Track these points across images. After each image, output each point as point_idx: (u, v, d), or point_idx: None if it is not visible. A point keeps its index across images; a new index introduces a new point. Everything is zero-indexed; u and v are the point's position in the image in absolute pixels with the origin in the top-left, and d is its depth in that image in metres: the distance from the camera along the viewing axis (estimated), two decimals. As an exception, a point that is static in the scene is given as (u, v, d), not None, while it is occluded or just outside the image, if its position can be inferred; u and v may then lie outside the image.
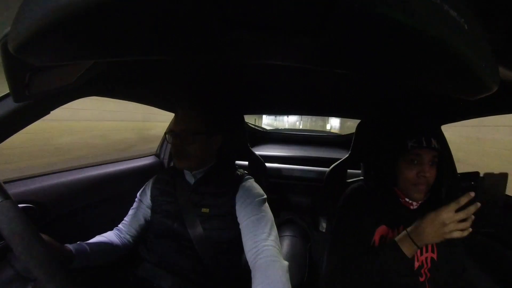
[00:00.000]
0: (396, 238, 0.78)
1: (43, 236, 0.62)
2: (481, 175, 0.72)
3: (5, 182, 0.59)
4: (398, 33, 0.29)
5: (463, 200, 0.69)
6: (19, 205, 0.56)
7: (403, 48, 0.33)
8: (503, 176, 0.71)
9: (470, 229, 0.70)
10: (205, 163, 1.02)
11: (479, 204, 0.68)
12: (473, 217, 0.69)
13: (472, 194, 0.69)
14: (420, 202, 0.88)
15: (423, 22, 0.26)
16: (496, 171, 0.72)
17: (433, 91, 0.47)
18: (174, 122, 0.98)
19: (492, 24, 0.36)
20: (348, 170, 1.41)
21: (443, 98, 0.94)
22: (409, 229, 0.77)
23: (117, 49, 0.41)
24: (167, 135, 0.99)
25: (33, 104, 0.70)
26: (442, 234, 0.71)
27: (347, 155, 1.40)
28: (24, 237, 0.50)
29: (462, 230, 0.70)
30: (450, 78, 0.39)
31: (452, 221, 0.69)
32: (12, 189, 0.86)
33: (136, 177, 1.37)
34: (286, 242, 1.43)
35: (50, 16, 0.28)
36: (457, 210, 0.69)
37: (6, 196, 0.53)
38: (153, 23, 0.31)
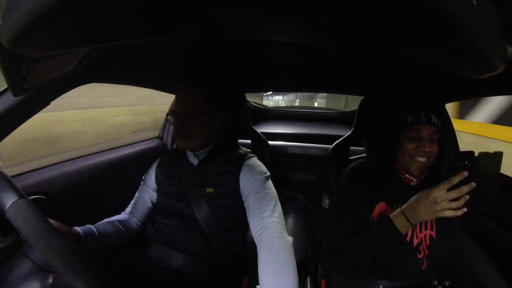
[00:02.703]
0: (391, 215, 0.80)
1: (52, 221, 0.63)
2: (476, 154, 0.71)
3: (12, 177, 0.59)
4: (401, 8, 0.28)
5: (455, 179, 0.69)
6: (30, 197, 0.57)
7: (408, 22, 0.32)
8: (498, 155, 0.70)
9: (465, 209, 0.70)
10: (208, 143, 1.03)
11: (474, 184, 0.68)
12: (467, 197, 0.69)
13: (466, 173, 0.68)
14: (420, 179, 0.89)
15: None
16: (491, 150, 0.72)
17: (438, 68, 0.46)
18: (176, 103, 0.97)
19: (501, 2, 0.35)
20: (351, 147, 1.41)
21: (447, 76, 0.92)
22: (403, 206, 0.78)
23: (112, 34, 0.40)
24: (169, 116, 0.99)
25: (32, 96, 0.70)
26: (433, 212, 0.71)
27: (349, 132, 1.40)
28: (45, 236, 0.51)
29: (455, 209, 0.70)
30: (456, 55, 0.38)
31: (443, 200, 0.69)
32: (21, 182, 0.88)
33: (141, 161, 1.39)
34: (290, 219, 1.46)
35: (40, 6, 0.27)
36: (450, 189, 0.70)
37: (20, 194, 0.54)
38: (147, 4, 0.30)
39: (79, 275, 0.49)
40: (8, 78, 0.53)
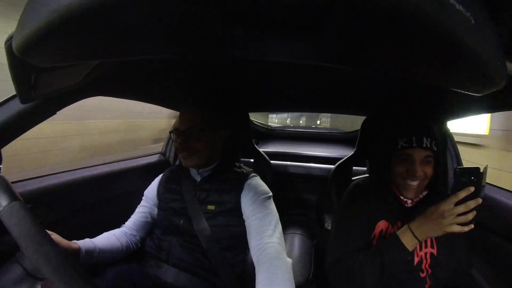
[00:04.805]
0: (398, 232, 0.80)
1: (51, 233, 0.63)
2: (481, 170, 0.73)
3: (12, 182, 0.59)
4: (402, 28, 0.28)
5: (462, 194, 0.70)
6: (28, 205, 0.56)
7: (408, 42, 0.32)
8: (485, 169, 0.74)
9: (472, 225, 0.71)
10: (211, 160, 1.03)
11: (480, 200, 0.70)
12: (474, 212, 0.70)
13: (472, 189, 0.70)
14: (415, 200, 0.90)
15: (427, 16, 0.26)
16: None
17: (439, 86, 0.46)
18: (179, 120, 0.99)
19: (499, 18, 0.36)
20: (354, 167, 1.40)
21: (449, 94, 0.93)
22: (410, 223, 0.79)
23: (122, 49, 0.41)
24: (172, 134, 1.00)
25: (39, 105, 0.71)
26: (441, 227, 0.72)
27: (352, 152, 1.39)
28: (34, 238, 0.51)
29: (462, 224, 0.71)
30: (457, 73, 0.39)
31: (451, 214, 0.71)
32: (20, 189, 0.88)
33: (142, 176, 1.38)
34: (291, 240, 1.42)
35: (52, 18, 0.28)
36: (457, 204, 0.71)
37: (15, 197, 0.54)
38: (156, 22, 0.31)
39: (67, 282, 0.47)
40: (17, 85, 0.54)
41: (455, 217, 0.71)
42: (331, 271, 0.88)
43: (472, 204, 0.70)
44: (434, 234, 0.75)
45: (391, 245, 0.78)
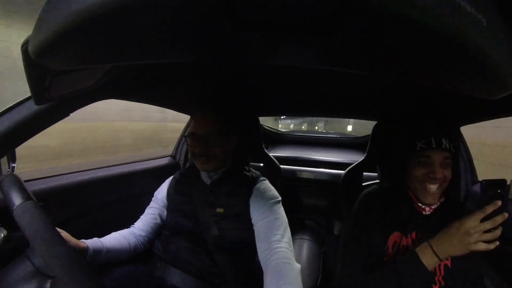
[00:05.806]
0: (417, 249, 0.75)
1: (60, 231, 0.64)
2: (508, 182, 0.68)
3: (25, 181, 0.61)
4: (412, 32, 0.28)
5: (489, 208, 0.65)
6: (39, 203, 0.58)
7: (419, 46, 0.32)
8: None
9: (497, 242, 0.66)
10: (224, 164, 1.04)
11: (506, 215, 0.65)
12: (500, 228, 0.66)
13: (499, 203, 0.65)
14: (433, 207, 0.86)
15: (438, 19, 0.25)
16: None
17: (452, 91, 0.45)
18: (195, 125, 0.99)
19: (511, 19, 0.35)
20: (364, 173, 1.38)
21: (462, 98, 0.91)
22: (431, 240, 0.74)
23: (134, 53, 0.42)
24: (187, 139, 1.01)
25: (53, 107, 0.73)
26: (466, 245, 0.67)
27: (363, 158, 1.37)
28: (46, 238, 0.52)
29: (488, 242, 0.66)
30: (469, 77, 0.38)
31: (477, 231, 0.66)
32: (33, 187, 0.90)
33: (153, 178, 1.40)
34: (300, 245, 1.42)
35: (68, 22, 0.29)
36: (483, 220, 0.66)
37: (28, 197, 0.56)
38: (167, 26, 0.32)
39: (76, 282, 0.48)
40: (32, 87, 0.56)
41: (481, 234, 0.66)
42: (344, 286, 0.85)
43: (499, 219, 0.65)
44: (457, 253, 0.70)
45: (409, 264, 0.74)
